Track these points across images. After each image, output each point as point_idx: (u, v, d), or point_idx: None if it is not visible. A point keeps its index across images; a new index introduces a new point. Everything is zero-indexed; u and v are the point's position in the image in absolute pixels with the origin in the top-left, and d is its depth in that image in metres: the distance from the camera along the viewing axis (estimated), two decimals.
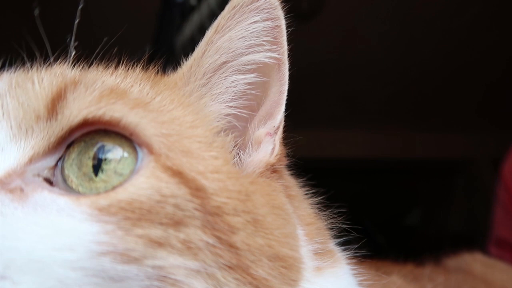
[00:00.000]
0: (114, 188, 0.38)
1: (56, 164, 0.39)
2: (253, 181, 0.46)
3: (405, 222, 3.51)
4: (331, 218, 0.52)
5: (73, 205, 0.36)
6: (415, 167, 3.38)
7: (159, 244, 0.36)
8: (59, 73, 0.44)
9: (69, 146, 0.39)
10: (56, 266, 0.34)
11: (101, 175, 0.38)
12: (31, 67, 0.45)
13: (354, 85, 2.70)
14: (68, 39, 0.46)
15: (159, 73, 0.50)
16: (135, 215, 0.36)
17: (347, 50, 2.49)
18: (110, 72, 0.47)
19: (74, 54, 0.46)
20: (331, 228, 0.52)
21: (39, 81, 0.42)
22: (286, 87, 0.50)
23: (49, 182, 0.38)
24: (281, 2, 0.49)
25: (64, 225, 0.35)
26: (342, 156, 3.02)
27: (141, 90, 0.45)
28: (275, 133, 0.50)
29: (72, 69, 0.46)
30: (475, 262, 1.02)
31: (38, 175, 0.38)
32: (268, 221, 0.43)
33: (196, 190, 0.39)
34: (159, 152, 0.39)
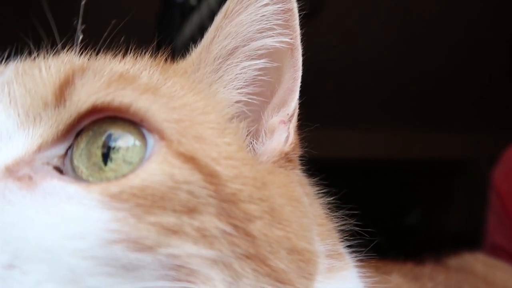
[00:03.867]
0: (125, 175, 0.37)
1: (66, 153, 0.38)
2: (270, 171, 0.45)
3: (405, 222, 3.51)
4: (340, 220, 0.52)
5: (83, 192, 0.35)
6: (415, 167, 3.38)
7: (173, 232, 0.35)
8: (67, 60, 0.43)
9: (78, 134, 0.38)
10: (66, 255, 0.33)
11: (110, 164, 0.37)
12: (37, 55, 0.45)
13: (353, 85, 2.71)
14: (75, 22, 0.45)
15: (168, 61, 0.49)
16: (147, 202, 0.35)
17: (347, 50, 2.49)
18: (118, 59, 0.46)
19: (80, 43, 0.46)
20: (340, 231, 0.52)
21: (47, 68, 0.41)
22: (299, 73, 0.48)
23: (59, 170, 0.37)
24: None
25: (74, 213, 0.34)
26: (342, 156, 3.02)
27: (150, 76, 0.44)
28: (289, 121, 0.49)
29: (79, 57, 0.45)
30: (476, 262, 1.01)
31: (48, 163, 0.37)
32: (286, 212, 0.42)
33: (210, 176, 0.38)
34: (171, 138, 0.38)
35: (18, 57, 0.45)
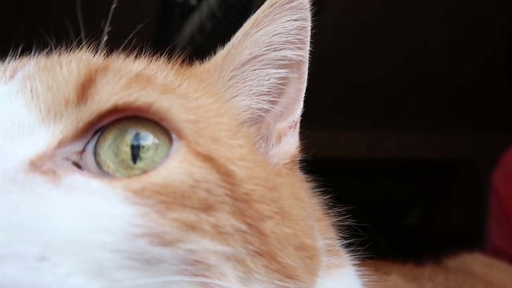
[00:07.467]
0: (146, 171, 0.38)
1: (83, 149, 0.39)
2: (278, 173, 0.47)
3: (405, 222, 3.51)
4: (337, 217, 0.53)
5: (106, 187, 0.36)
6: (415, 167, 3.38)
7: (192, 228, 0.36)
8: (85, 58, 0.44)
9: (96, 132, 0.39)
10: (94, 248, 0.34)
11: (139, 163, 0.39)
12: (56, 51, 0.46)
13: (352, 85, 2.70)
14: (102, 24, 0.47)
15: (183, 63, 0.51)
16: (169, 198, 0.36)
17: (346, 50, 2.49)
18: (132, 59, 0.48)
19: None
20: (339, 230, 0.53)
21: (68, 65, 0.42)
22: (305, 85, 0.53)
23: (77, 165, 0.38)
24: None
25: (99, 207, 0.35)
26: (342, 156, 3.02)
27: (165, 77, 0.45)
28: (295, 126, 0.53)
29: (94, 56, 0.46)
30: (475, 262, 1.02)
31: (67, 158, 0.38)
32: (294, 212, 0.44)
33: (226, 176, 0.40)
34: (189, 138, 0.40)
35: (37, 52, 0.46)
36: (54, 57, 0.45)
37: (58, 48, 0.47)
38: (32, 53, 0.46)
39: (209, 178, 0.39)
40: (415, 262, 0.91)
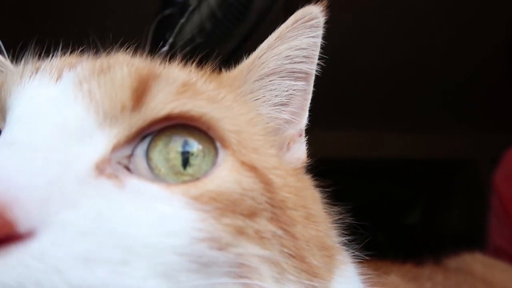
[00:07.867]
0: (199, 178, 0.39)
1: (132, 153, 0.40)
2: (299, 178, 0.50)
3: (406, 222, 3.51)
4: (337, 215, 0.55)
5: (165, 192, 0.37)
6: (415, 167, 3.38)
7: (240, 233, 0.39)
8: (134, 63, 0.45)
9: (144, 137, 0.40)
10: (165, 252, 0.35)
11: (188, 169, 0.40)
12: (107, 54, 0.47)
13: (352, 85, 2.70)
14: (167, 35, 0.49)
15: (215, 71, 0.52)
16: (222, 205, 0.38)
17: (345, 50, 2.49)
18: (174, 67, 0.49)
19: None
20: (339, 228, 0.54)
21: (121, 70, 0.42)
22: (310, 96, 0.57)
23: (128, 169, 0.39)
24: None
25: (166, 212, 0.36)
26: (343, 156, 3.02)
27: (205, 86, 0.47)
28: (302, 134, 0.57)
29: (137, 59, 0.47)
30: (475, 262, 1.02)
31: (119, 162, 0.39)
32: (317, 215, 0.47)
33: (267, 185, 0.42)
34: (233, 147, 0.42)
35: (86, 54, 0.48)
36: (105, 59, 0.46)
37: (106, 49, 0.48)
38: (70, 53, 0.47)
39: (255, 187, 0.41)
40: (415, 262, 0.91)
